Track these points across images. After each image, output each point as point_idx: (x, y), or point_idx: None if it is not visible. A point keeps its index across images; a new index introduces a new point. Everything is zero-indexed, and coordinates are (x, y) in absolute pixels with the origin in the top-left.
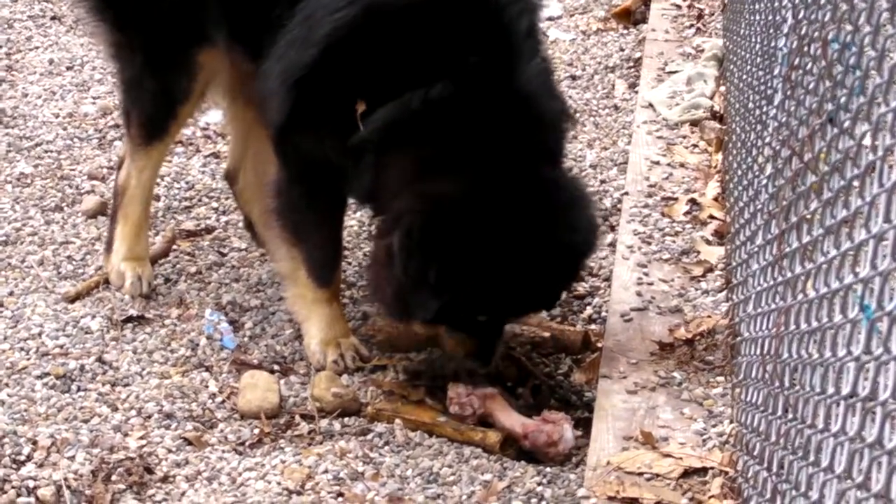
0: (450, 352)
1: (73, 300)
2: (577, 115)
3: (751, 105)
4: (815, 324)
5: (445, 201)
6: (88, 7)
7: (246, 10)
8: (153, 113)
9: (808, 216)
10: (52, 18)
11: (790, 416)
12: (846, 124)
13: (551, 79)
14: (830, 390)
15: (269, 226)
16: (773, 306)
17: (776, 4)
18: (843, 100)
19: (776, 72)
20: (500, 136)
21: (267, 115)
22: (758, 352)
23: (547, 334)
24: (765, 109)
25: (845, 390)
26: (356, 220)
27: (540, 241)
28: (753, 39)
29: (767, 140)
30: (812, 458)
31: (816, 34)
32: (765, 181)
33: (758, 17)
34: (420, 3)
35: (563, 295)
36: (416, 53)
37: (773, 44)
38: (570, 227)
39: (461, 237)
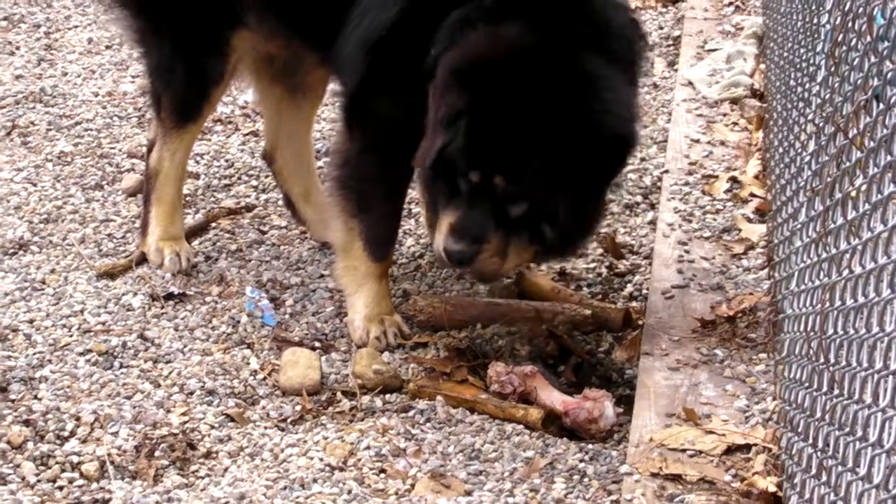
0: (438, 239)
1: (105, 275)
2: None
3: (792, 82)
4: (861, 299)
5: (485, 46)
6: None
7: None
8: (185, 96)
9: (854, 192)
10: None
11: (836, 391)
12: (893, 100)
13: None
14: (878, 365)
15: (330, 194)
16: (817, 283)
17: None
18: (889, 75)
19: (819, 48)
20: (555, 24)
21: (340, 82)
22: (801, 328)
23: (588, 312)
24: (807, 86)
25: (894, 365)
26: None
27: (557, 107)
28: (794, 16)
29: (810, 117)
30: (860, 434)
31: (861, 10)
32: (808, 158)
33: None
34: None
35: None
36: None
37: (815, 20)
38: (593, 109)
39: (489, 75)
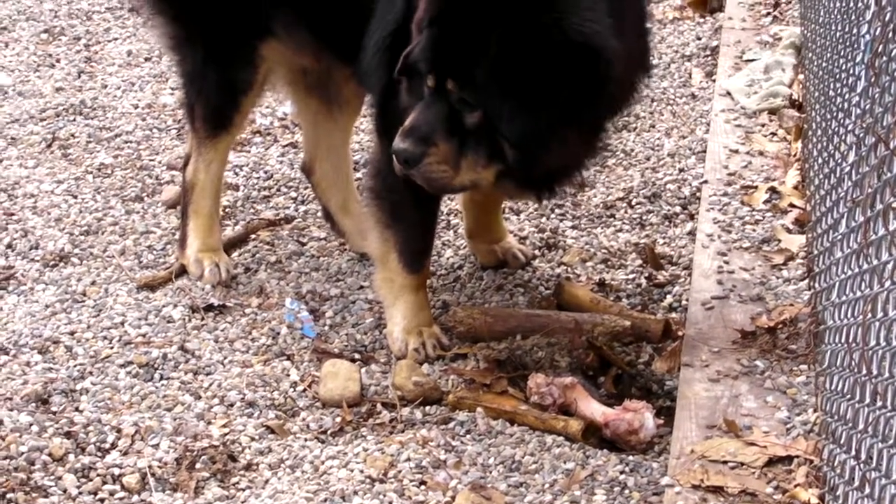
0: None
1: (145, 287)
2: (654, 103)
3: (831, 93)
4: None
5: None
6: (151, 2)
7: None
8: (216, 104)
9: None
10: (130, 10)
11: (878, 403)
12: None
13: None
14: None
15: (365, 205)
16: (859, 294)
17: None
18: None
19: (858, 59)
20: None
21: (369, 93)
22: (843, 339)
23: (628, 323)
24: (847, 97)
25: None
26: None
27: (516, 19)
28: (833, 27)
29: (850, 128)
30: None
31: None
32: (848, 169)
33: (837, 4)
34: None
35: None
36: None
37: (854, 31)
38: (552, 17)
39: None
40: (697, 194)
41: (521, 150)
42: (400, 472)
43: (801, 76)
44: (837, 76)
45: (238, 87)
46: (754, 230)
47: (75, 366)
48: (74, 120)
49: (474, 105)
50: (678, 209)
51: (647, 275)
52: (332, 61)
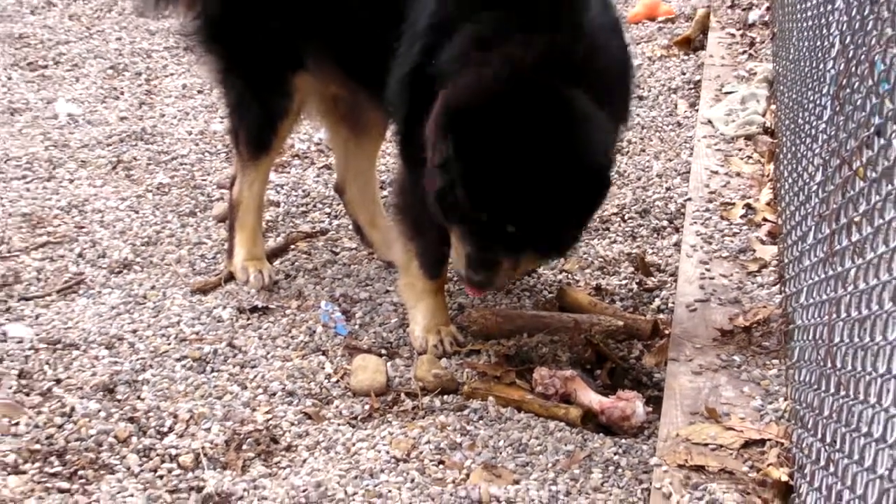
0: (459, 265)
1: (198, 291)
2: (644, 130)
3: (800, 121)
4: (865, 312)
5: (469, 92)
6: (199, 40)
7: (353, 40)
8: (257, 131)
9: (857, 218)
10: (185, 49)
11: (842, 393)
12: (892, 136)
13: (617, 23)
14: (881, 370)
15: (392, 218)
16: (825, 297)
17: (823, 32)
18: (889, 114)
19: (824, 91)
20: (543, 55)
21: (393, 122)
22: (810, 337)
23: (621, 323)
24: (814, 124)
25: None
26: None
27: (543, 149)
28: (802, 63)
29: (817, 151)
30: (864, 430)
31: (863, 57)
32: (815, 187)
33: (806, 44)
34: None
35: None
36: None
37: (820, 66)
38: (580, 145)
39: (474, 123)
40: (682, 210)
41: (557, 252)
42: (421, 452)
43: (773, 106)
44: (806, 106)
45: (276, 114)
46: (732, 241)
47: (137, 360)
48: (136, 145)
49: (527, 234)
50: (665, 223)
51: (638, 280)
52: (357, 91)
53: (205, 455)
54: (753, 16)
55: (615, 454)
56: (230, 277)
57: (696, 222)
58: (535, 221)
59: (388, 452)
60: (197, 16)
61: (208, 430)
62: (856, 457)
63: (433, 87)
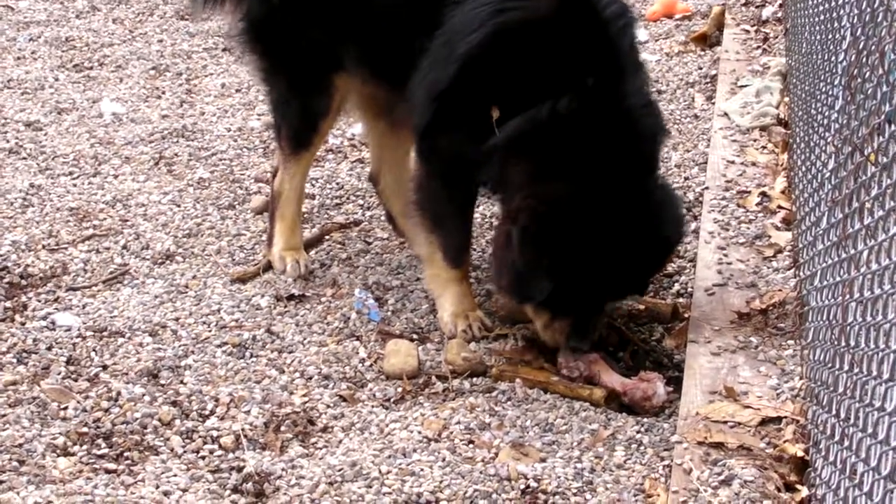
0: (549, 340)
1: (237, 280)
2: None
3: (813, 111)
4: (878, 291)
5: (556, 201)
6: (244, 41)
7: (387, 45)
8: (299, 127)
9: (869, 202)
10: (224, 50)
11: (856, 370)
12: None
13: (649, 92)
14: (893, 346)
15: (410, 215)
16: (838, 279)
17: (835, 25)
18: None
19: (836, 82)
20: (606, 147)
21: (412, 122)
22: (824, 318)
23: (642, 307)
24: (826, 114)
25: None
26: (479, 214)
27: (635, 235)
28: (814, 56)
29: (830, 140)
30: (877, 405)
31: (874, 48)
32: (828, 174)
33: (817, 37)
34: (539, 23)
35: (652, 279)
36: (538, 68)
37: (832, 59)
38: (661, 223)
39: (568, 232)
40: (700, 199)
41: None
42: (452, 432)
43: (786, 98)
44: (818, 97)
45: (316, 112)
46: (748, 228)
47: (180, 346)
48: (177, 142)
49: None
50: (685, 217)
51: None
52: (393, 91)
53: (245, 436)
54: (767, 12)
55: (637, 432)
56: (268, 267)
57: (713, 210)
58: (627, 292)
59: (419, 433)
60: (242, 18)
61: (248, 412)
62: (870, 430)
63: (461, 107)
